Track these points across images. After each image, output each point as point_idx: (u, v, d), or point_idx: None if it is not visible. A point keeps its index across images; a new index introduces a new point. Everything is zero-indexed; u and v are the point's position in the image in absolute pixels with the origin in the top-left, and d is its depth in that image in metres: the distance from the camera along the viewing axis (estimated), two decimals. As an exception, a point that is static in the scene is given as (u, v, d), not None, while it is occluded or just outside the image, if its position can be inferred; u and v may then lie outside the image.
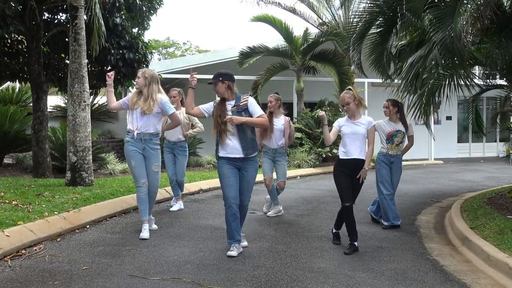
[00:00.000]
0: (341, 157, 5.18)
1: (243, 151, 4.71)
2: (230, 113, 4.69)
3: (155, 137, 5.49)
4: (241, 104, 4.73)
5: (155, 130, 5.48)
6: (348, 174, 5.10)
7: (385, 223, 6.07)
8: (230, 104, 4.75)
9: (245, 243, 5.02)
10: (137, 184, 5.50)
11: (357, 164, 5.07)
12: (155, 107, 5.38)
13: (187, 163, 7.33)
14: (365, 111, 5.85)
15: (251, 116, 4.73)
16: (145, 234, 5.35)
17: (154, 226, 5.73)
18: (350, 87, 5.35)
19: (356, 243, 5.01)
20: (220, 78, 4.73)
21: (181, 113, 6.94)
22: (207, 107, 4.87)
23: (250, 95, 4.85)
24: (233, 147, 4.72)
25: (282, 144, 6.59)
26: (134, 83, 5.44)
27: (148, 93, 5.37)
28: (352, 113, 5.16)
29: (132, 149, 5.41)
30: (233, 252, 4.67)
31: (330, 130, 5.28)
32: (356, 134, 5.11)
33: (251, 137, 4.77)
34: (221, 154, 4.78)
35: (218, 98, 4.87)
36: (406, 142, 6.23)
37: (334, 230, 5.37)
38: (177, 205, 7.08)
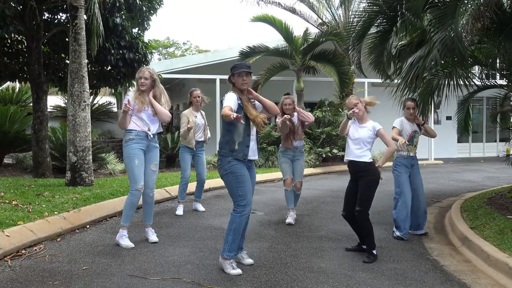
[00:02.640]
0: (345, 158, 5.10)
1: (258, 153, 4.52)
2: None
3: (154, 136, 5.24)
4: (252, 102, 4.44)
5: (161, 129, 5.31)
6: (352, 179, 5.00)
7: (398, 234, 5.62)
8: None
9: (249, 261, 4.51)
10: (135, 186, 5.01)
11: (356, 166, 4.89)
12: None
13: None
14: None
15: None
16: (126, 242, 5.01)
17: (154, 238, 5.20)
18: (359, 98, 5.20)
19: (374, 251, 4.75)
20: (251, 72, 4.40)
21: (200, 116, 6.92)
22: (234, 106, 4.23)
23: None
24: (252, 149, 4.38)
25: (301, 143, 6.43)
26: (140, 83, 5.08)
27: (160, 93, 5.16)
28: (361, 115, 4.93)
29: (137, 147, 5.01)
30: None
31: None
32: (359, 138, 4.91)
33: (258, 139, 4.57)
34: (248, 156, 4.35)
35: (230, 96, 4.30)
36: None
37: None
38: (181, 208, 6.85)
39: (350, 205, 4.91)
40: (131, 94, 5.16)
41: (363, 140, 4.90)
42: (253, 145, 4.38)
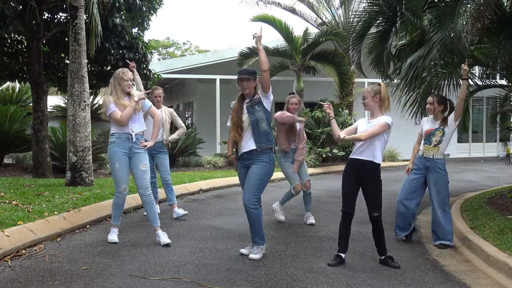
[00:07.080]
0: (350, 156, 4.69)
1: (256, 143, 4.53)
2: (245, 110, 4.60)
3: (141, 136, 5.16)
4: (254, 98, 4.58)
5: (144, 128, 5.22)
6: (353, 175, 4.57)
7: (401, 235, 5.49)
8: (245, 102, 4.65)
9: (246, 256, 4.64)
10: (117, 188, 5.10)
11: (364, 165, 4.49)
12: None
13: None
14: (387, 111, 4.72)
15: (265, 108, 4.56)
16: (113, 237, 5.13)
17: (165, 240, 5.06)
18: (380, 83, 4.67)
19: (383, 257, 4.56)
20: (255, 76, 4.61)
21: (162, 112, 6.45)
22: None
23: None
24: (245, 142, 4.59)
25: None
26: (128, 85, 5.08)
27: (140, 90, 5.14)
28: (369, 109, 4.63)
29: (117, 151, 5.00)
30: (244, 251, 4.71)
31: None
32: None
33: (265, 130, 4.55)
34: (239, 154, 4.70)
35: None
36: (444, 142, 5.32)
37: (337, 252, 4.65)
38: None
39: (353, 202, 4.60)
40: (111, 99, 5.01)
41: (376, 137, 4.47)
42: (244, 139, 4.62)
